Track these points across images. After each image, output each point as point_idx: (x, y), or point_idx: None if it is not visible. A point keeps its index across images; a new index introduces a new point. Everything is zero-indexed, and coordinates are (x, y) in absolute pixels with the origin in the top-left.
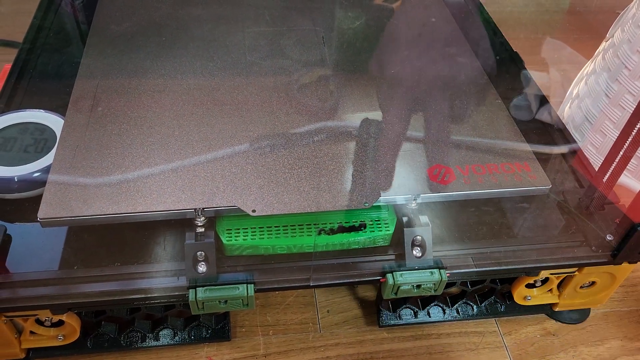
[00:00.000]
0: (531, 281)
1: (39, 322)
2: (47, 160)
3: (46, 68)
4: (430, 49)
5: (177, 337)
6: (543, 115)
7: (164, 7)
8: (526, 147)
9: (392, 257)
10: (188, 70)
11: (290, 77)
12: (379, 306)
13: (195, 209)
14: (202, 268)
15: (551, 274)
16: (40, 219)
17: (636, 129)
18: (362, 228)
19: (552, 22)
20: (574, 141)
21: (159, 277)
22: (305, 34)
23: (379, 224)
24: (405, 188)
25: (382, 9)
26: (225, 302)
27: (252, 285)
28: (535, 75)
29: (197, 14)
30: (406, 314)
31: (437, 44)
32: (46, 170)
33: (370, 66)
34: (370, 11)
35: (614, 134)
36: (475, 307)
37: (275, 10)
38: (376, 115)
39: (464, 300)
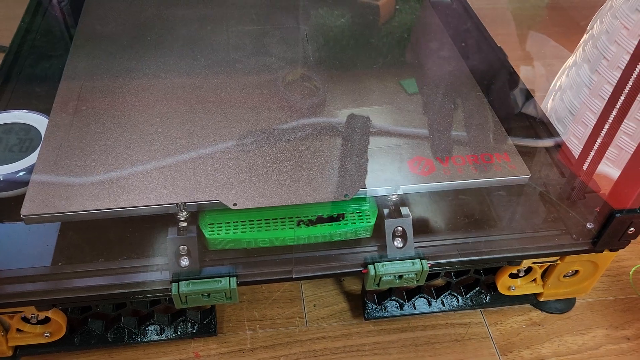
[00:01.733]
0: (514, 271)
1: (25, 319)
2: (31, 159)
3: (33, 70)
4: (413, 45)
5: (164, 333)
6: (526, 108)
7: (149, 8)
8: (506, 138)
9: (374, 248)
10: (172, 69)
11: (273, 75)
12: (364, 299)
13: (177, 204)
14: (184, 262)
15: (534, 263)
16: (23, 215)
17: (612, 116)
18: (340, 218)
19: (536, 17)
20: (557, 133)
21: (143, 272)
22: (289, 32)
23: (360, 215)
24: (386, 180)
25: (366, 6)
26: (209, 295)
27: (235, 278)
28: (519, 69)
29: (182, 14)
30: (392, 306)
31: (420, 40)
32: (31, 169)
33: (353, 63)
34: (354, 8)
35: None
36: (460, 298)
37: (259, 8)
38: (358, 110)
39: (448, 292)
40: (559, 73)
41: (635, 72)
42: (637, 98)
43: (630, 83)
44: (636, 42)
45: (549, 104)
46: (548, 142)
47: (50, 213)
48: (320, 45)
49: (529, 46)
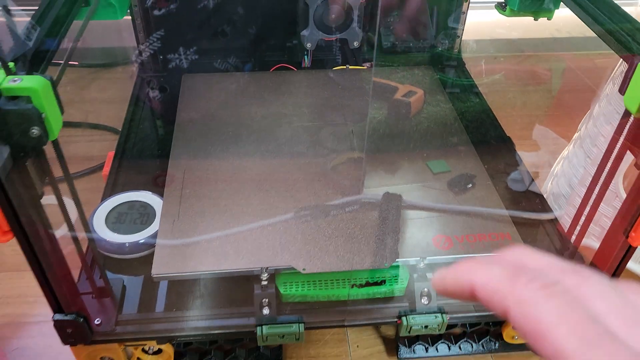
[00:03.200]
0: None
1: (144, 351)
2: (149, 230)
3: (139, 154)
4: (433, 138)
5: None
6: (529, 189)
7: (229, 106)
8: (509, 221)
9: (406, 304)
10: (251, 158)
11: (326, 164)
12: (397, 342)
13: (261, 268)
14: (266, 311)
15: None
16: (153, 275)
17: (590, 203)
18: (382, 283)
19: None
20: (553, 212)
21: (235, 318)
22: (338, 128)
23: (396, 279)
24: (416, 252)
25: (400, 102)
26: (283, 336)
27: (303, 324)
28: (525, 155)
29: (255, 112)
30: (419, 349)
31: (439, 133)
32: (149, 237)
33: (388, 148)
34: (390, 105)
35: None
36: (474, 344)
37: (314, 108)
38: (392, 188)
39: (464, 339)
40: (556, 162)
41: (604, 174)
42: (611, 188)
43: (601, 179)
44: (606, 148)
45: (549, 187)
46: (545, 220)
47: (172, 273)
48: (363, 135)
49: (534, 134)
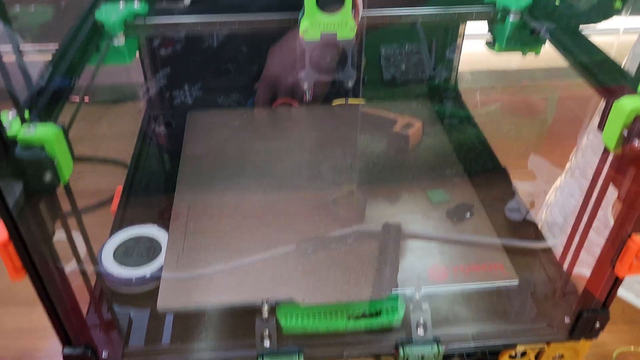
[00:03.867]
0: (512, 353)
1: None
2: (155, 264)
3: (146, 188)
4: (428, 171)
5: None
6: (523, 220)
7: (233, 142)
8: (502, 251)
9: (403, 334)
10: (253, 192)
11: (326, 197)
12: None
13: (262, 300)
14: (266, 342)
15: (526, 348)
16: (159, 308)
17: (580, 231)
18: (378, 315)
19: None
20: (546, 242)
21: (236, 350)
22: (337, 162)
23: (393, 310)
24: (411, 283)
25: (398, 135)
26: None
27: (302, 354)
28: (521, 184)
29: (258, 147)
30: None
31: (437, 164)
32: (155, 272)
33: (388, 180)
34: (389, 138)
35: None
36: None
37: (314, 142)
38: (392, 218)
39: None
40: (550, 191)
41: (591, 204)
42: (600, 217)
43: (589, 209)
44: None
45: (543, 216)
46: (539, 249)
47: (177, 306)
48: (362, 168)
49: (530, 164)
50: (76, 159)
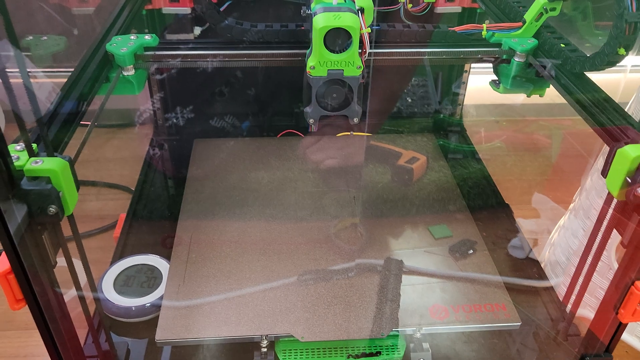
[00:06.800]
0: None
1: None
2: (155, 294)
3: (150, 215)
4: (432, 206)
5: None
6: (526, 258)
7: (237, 171)
8: (504, 291)
9: None
10: (256, 222)
11: (328, 230)
12: None
13: (261, 335)
14: None
15: None
16: (157, 340)
17: (583, 273)
18: (378, 354)
19: (540, 168)
20: (549, 282)
21: None
22: (341, 194)
23: (393, 348)
24: (412, 322)
25: (402, 168)
26: None
27: None
28: (524, 222)
29: (261, 177)
30: None
31: (440, 199)
32: (155, 301)
33: (391, 214)
34: (393, 171)
35: None
36: None
37: (318, 173)
38: (395, 255)
39: None
40: (553, 230)
41: (595, 247)
42: (604, 259)
43: (592, 252)
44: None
45: (546, 256)
46: (542, 289)
47: (176, 339)
48: (365, 200)
49: (534, 201)
50: (81, 182)
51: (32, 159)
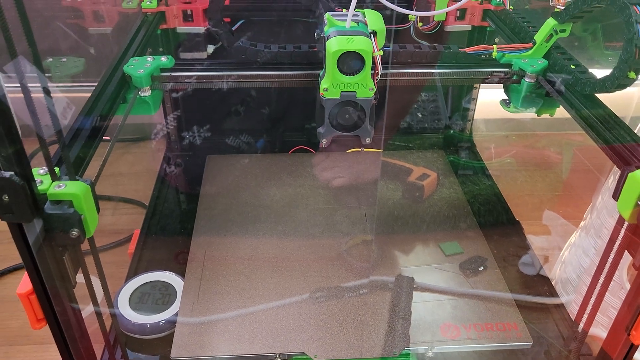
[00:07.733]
0: None
1: None
2: (170, 311)
3: (163, 231)
4: (442, 222)
5: None
6: (537, 275)
7: (250, 187)
8: (516, 310)
9: None
10: (268, 239)
11: (339, 247)
12: None
13: (275, 354)
14: None
15: None
16: (172, 358)
17: (596, 292)
18: None
19: (551, 184)
20: (561, 301)
21: None
22: (352, 211)
23: None
24: (424, 340)
25: (413, 185)
26: None
27: None
28: (535, 239)
29: (274, 193)
30: None
31: (450, 216)
32: (170, 318)
33: (402, 230)
34: (404, 187)
35: None
36: None
37: (330, 190)
38: (406, 272)
39: None
40: (564, 248)
41: (607, 266)
42: (615, 279)
43: (604, 272)
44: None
45: (557, 273)
46: (553, 307)
47: (191, 356)
48: (377, 217)
49: (545, 218)
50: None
51: (55, 182)
